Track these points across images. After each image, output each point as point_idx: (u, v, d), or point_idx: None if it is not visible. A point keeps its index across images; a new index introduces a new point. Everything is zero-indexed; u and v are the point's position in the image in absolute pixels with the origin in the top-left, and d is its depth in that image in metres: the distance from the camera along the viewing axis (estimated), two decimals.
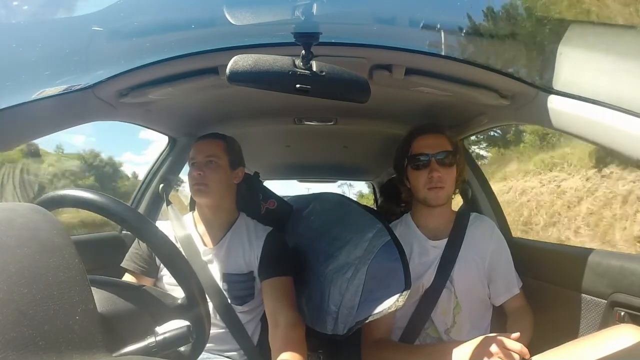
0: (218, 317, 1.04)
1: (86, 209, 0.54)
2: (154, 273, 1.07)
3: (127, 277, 1.06)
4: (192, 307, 0.57)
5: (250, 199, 1.27)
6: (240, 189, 1.18)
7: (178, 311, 0.58)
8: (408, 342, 1.07)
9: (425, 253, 1.10)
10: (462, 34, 0.95)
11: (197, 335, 0.56)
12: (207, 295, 0.62)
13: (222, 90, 1.03)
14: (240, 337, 1.06)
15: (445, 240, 1.10)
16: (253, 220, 1.17)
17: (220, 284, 1.05)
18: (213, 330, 0.70)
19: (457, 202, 1.22)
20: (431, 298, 1.06)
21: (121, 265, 1.07)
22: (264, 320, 1.13)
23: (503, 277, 1.10)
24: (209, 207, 1.11)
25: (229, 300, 1.05)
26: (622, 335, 0.68)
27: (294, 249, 1.26)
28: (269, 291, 1.04)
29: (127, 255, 1.09)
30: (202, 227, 1.13)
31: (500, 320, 1.10)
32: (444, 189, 1.06)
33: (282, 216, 1.35)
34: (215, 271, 1.06)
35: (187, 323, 0.54)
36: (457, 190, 1.17)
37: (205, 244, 1.10)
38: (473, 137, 1.97)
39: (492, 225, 1.18)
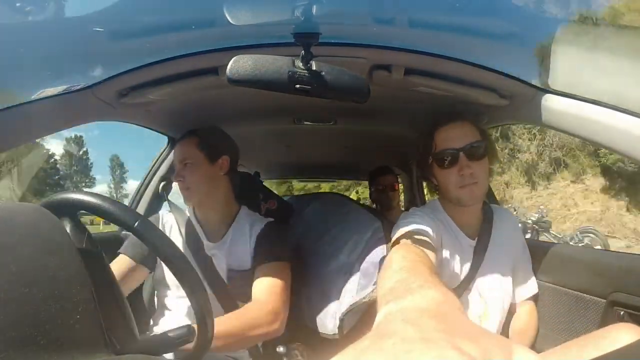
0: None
1: (88, 211, 0.54)
2: (151, 265, 1.05)
3: (123, 263, 1.01)
4: (195, 308, 0.57)
5: (250, 199, 1.27)
6: (234, 180, 1.14)
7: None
8: None
9: (467, 255, 0.99)
10: (462, 34, 0.95)
11: (201, 335, 0.56)
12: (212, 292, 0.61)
13: (222, 90, 1.03)
14: None
15: (476, 238, 1.01)
16: (255, 214, 1.15)
17: (225, 280, 1.04)
18: None
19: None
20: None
21: (119, 251, 1.04)
22: None
23: (525, 274, 1.05)
24: (199, 206, 1.10)
25: (233, 297, 1.04)
26: (620, 334, 0.68)
27: (294, 249, 1.26)
28: (257, 278, 0.98)
29: (126, 242, 1.06)
30: (204, 223, 1.12)
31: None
32: (477, 185, 0.93)
33: (282, 216, 1.35)
34: (219, 267, 1.05)
35: (187, 323, 0.54)
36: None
37: (208, 239, 1.09)
38: None
39: (514, 216, 1.10)
